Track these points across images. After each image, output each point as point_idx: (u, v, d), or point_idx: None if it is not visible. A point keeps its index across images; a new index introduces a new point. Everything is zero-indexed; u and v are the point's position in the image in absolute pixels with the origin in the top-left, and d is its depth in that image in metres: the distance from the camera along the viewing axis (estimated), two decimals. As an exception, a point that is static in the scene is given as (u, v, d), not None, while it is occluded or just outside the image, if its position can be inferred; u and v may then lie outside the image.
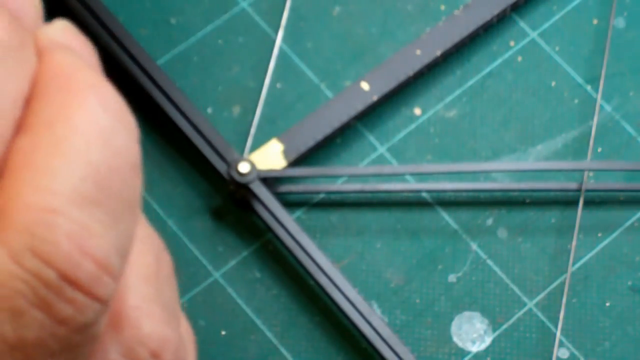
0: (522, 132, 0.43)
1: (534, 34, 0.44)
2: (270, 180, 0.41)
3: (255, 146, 0.41)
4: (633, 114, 0.43)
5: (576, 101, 0.43)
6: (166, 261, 0.28)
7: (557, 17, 0.44)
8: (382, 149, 0.42)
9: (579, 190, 0.41)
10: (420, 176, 0.41)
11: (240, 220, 0.41)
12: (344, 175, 0.41)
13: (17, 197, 0.22)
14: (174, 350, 0.26)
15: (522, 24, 0.44)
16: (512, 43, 0.44)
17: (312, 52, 0.44)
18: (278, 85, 0.43)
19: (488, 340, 0.40)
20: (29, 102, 0.24)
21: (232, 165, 0.40)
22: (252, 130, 0.41)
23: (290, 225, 0.39)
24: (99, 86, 0.25)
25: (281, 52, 0.43)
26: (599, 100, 0.43)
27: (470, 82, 0.43)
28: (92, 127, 0.24)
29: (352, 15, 0.44)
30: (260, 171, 0.40)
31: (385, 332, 0.38)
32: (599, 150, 0.42)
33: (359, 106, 0.41)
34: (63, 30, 0.26)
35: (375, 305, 0.40)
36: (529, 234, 0.41)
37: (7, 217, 0.22)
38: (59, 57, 0.25)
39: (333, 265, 0.39)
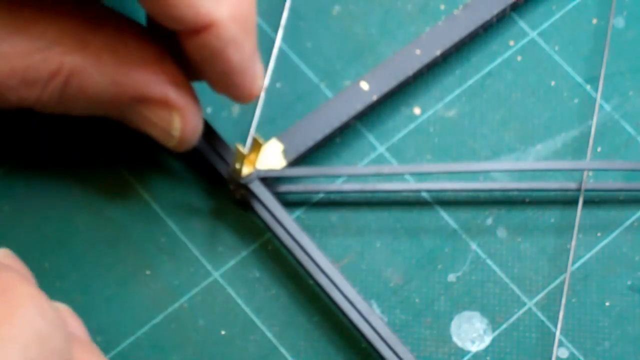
0: (521, 131, 0.43)
1: (533, 34, 0.44)
2: (270, 180, 0.41)
3: (255, 146, 0.41)
4: (632, 114, 0.43)
5: (576, 101, 0.43)
6: None
7: (556, 16, 0.44)
8: (381, 149, 0.42)
9: (578, 190, 0.41)
10: (420, 176, 0.41)
11: (240, 220, 0.41)
12: (344, 175, 0.41)
13: None
14: None
15: (522, 23, 0.44)
16: (511, 43, 0.44)
17: (311, 51, 0.44)
18: (278, 85, 0.43)
19: (487, 340, 0.40)
20: None
21: (232, 165, 0.40)
22: (252, 130, 0.41)
23: (289, 225, 0.39)
24: (36, 297, 0.30)
25: (281, 51, 0.43)
26: (599, 100, 0.43)
27: (470, 82, 0.43)
28: (30, 330, 0.30)
29: (351, 15, 0.44)
30: (259, 171, 0.40)
31: (385, 331, 0.38)
32: (599, 149, 0.42)
33: (359, 106, 0.41)
34: (4, 255, 0.35)
35: (374, 305, 0.40)
36: (528, 234, 0.41)
37: None
38: (3, 274, 0.31)
39: (332, 265, 0.39)
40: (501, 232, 0.41)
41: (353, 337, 0.39)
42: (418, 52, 0.42)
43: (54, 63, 0.36)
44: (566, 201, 0.42)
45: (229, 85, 0.38)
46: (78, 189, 0.41)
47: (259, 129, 0.41)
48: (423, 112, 0.43)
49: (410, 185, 0.41)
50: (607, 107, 0.43)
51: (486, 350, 0.40)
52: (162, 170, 0.41)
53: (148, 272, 0.40)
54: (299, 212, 0.41)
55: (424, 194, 0.42)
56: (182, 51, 0.38)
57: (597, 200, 0.42)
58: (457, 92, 0.43)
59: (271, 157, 0.41)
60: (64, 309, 0.36)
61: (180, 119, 0.38)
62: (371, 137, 0.42)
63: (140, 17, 0.40)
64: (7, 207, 0.41)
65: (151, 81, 0.38)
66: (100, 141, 0.42)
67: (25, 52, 0.36)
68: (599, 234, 0.41)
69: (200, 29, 0.35)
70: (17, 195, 0.41)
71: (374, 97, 0.42)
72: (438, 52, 0.42)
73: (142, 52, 0.38)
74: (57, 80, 0.37)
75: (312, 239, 0.40)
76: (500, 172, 0.42)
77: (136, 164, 0.41)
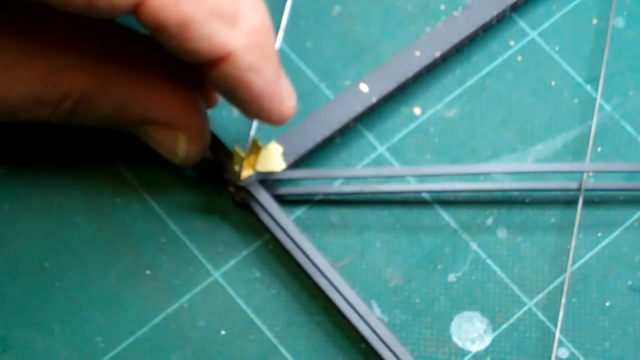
0: (521, 131, 0.43)
1: (533, 34, 0.44)
2: (270, 183, 0.41)
3: (255, 146, 0.41)
4: (633, 114, 0.43)
5: (576, 101, 0.43)
6: None
7: (556, 16, 0.44)
8: (381, 149, 0.42)
9: (578, 189, 0.41)
10: (421, 176, 0.41)
11: (240, 219, 0.41)
12: (343, 178, 0.41)
13: None
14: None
15: (522, 23, 0.44)
16: (511, 43, 0.44)
17: (311, 51, 0.44)
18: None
19: (488, 340, 0.40)
20: None
21: (231, 168, 0.40)
22: (252, 132, 0.41)
23: (289, 228, 0.39)
24: None
25: (281, 51, 0.43)
26: (599, 100, 0.43)
27: (470, 82, 0.43)
28: None
29: (351, 15, 0.44)
30: (259, 173, 0.40)
31: (384, 333, 0.38)
32: (599, 149, 0.42)
33: (358, 108, 0.41)
34: None
35: (374, 305, 0.40)
36: (528, 234, 0.41)
37: None
38: None
39: (332, 266, 0.39)
40: (501, 232, 0.41)
41: (354, 337, 0.39)
42: (417, 53, 0.42)
43: (67, 86, 0.37)
44: (566, 201, 0.42)
45: (259, 111, 0.38)
46: (78, 188, 0.41)
47: (258, 129, 0.41)
48: (423, 112, 0.43)
49: (410, 186, 0.41)
50: (607, 107, 0.43)
51: (486, 350, 0.40)
52: (162, 170, 0.41)
53: (148, 272, 0.40)
54: (299, 212, 0.41)
55: (424, 194, 0.42)
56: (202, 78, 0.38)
57: (598, 200, 0.42)
58: (457, 92, 0.43)
59: (271, 159, 0.41)
60: None
61: (185, 140, 0.39)
62: (371, 137, 0.42)
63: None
64: (7, 207, 0.41)
65: (158, 105, 0.38)
66: (101, 141, 0.42)
67: (39, 76, 0.37)
68: (599, 234, 0.41)
69: (217, 60, 0.36)
70: (17, 195, 0.41)
71: (374, 99, 0.42)
72: (438, 54, 0.42)
73: (152, 75, 0.38)
74: (68, 102, 0.37)
75: (312, 238, 0.40)
76: (500, 173, 0.42)
77: (137, 164, 0.42)
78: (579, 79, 0.43)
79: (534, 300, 0.40)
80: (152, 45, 0.38)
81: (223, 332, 0.40)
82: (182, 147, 0.39)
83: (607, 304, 0.40)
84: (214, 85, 0.37)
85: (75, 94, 0.37)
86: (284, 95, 0.38)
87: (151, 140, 0.39)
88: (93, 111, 0.38)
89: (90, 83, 0.37)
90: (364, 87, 0.42)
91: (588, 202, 0.41)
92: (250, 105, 0.37)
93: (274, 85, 0.37)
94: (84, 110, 0.38)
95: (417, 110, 0.43)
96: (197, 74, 0.39)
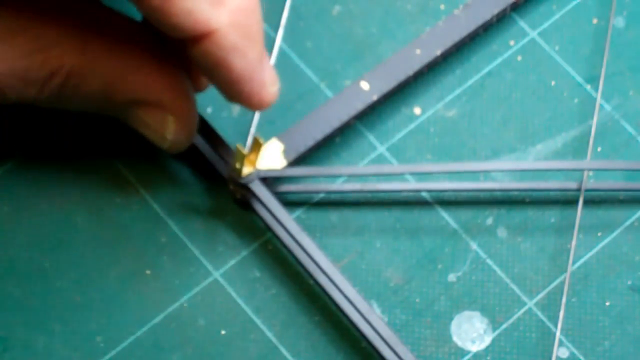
0: (521, 131, 0.43)
1: (533, 34, 0.44)
2: (270, 180, 0.41)
3: (255, 146, 0.41)
4: (633, 114, 0.43)
5: (576, 100, 0.43)
6: None
7: (557, 16, 0.44)
8: (381, 149, 0.42)
9: (578, 189, 0.41)
10: (420, 176, 0.41)
11: (240, 220, 0.41)
12: (344, 175, 0.41)
13: None
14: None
15: (522, 23, 0.44)
16: (512, 42, 0.44)
17: (311, 51, 0.44)
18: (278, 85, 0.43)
19: (488, 340, 0.40)
20: None
21: (232, 165, 0.40)
22: (252, 130, 0.41)
23: (290, 225, 0.39)
24: None
25: (281, 51, 0.43)
26: (599, 100, 0.43)
27: (470, 82, 0.43)
28: None
29: (352, 15, 0.44)
30: (260, 171, 0.40)
31: (385, 331, 0.38)
32: (599, 149, 0.42)
33: (359, 106, 0.41)
34: None
35: (375, 305, 0.40)
36: (528, 234, 0.41)
37: None
38: None
39: (333, 265, 0.39)
40: (501, 232, 0.41)
41: (353, 337, 0.39)
42: (418, 52, 0.42)
43: (53, 64, 0.37)
44: (566, 201, 0.42)
45: (238, 93, 0.37)
46: (78, 189, 0.41)
47: (259, 128, 0.41)
48: (423, 112, 0.43)
49: (410, 185, 0.41)
50: (608, 107, 0.43)
51: (486, 350, 0.40)
52: (162, 170, 0.41)
53: (148, 272, 0.40)
54: (299, 211, 0.41)
55: (424, 194, 0.42)
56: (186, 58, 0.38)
57: (598, 200, 0.42)
58: (457, 92, 0.43)
59: (271, 157, 0.41)
60: None
61: (174, 123, 0.39)
62: (371, 137, 0.42)
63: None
64: (7, 207, 0.41)
65: (147, 85, 0.38)
66: (100, 141, 0.42)
67: (26, 52, 0.36)
68: (599, 234, 0.41)
69: (200, 36, 0.35)
70: (17, 195, 0.41)
71: (374, 97, 0.42)
72: (438, 52, 0.43)
73: (140, 55, 0.38)
74: (55, 80, 0.37)
75: (312, 238, 0.40)
76: (500, 172, 0.42)
77: (137, 164, 0.41)
78: (579, 79, 0.43)
79: (534, 300, 0.40)
80: (141, 28, 0.38)
81: (223, 332, 0.40)
82: (170, 130, 0.39)
83: (607, 303, 0.40)
84: (196, 64, 0.37)
85: (63, 71, 0.37)
86: (266, 81, 0.37)
87: (140, 123, 0.39)
88: (81, 90, 0.37)
89: (78, 60, 0.37)
90: (364, 85, 0.42)
91: (588, 202, 0.41)
92: (229, 87, 0.37)
93: (256, 69, 0.37)
94: (71, 89, 0.37)
95: (417, 110, 0.43)
96: (185, 58, 0.39)
